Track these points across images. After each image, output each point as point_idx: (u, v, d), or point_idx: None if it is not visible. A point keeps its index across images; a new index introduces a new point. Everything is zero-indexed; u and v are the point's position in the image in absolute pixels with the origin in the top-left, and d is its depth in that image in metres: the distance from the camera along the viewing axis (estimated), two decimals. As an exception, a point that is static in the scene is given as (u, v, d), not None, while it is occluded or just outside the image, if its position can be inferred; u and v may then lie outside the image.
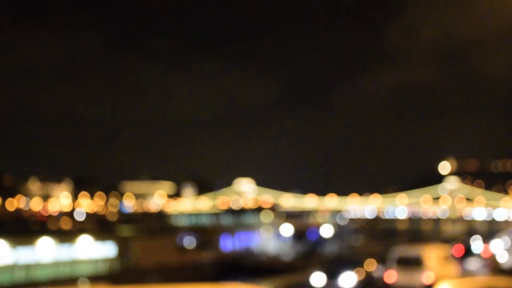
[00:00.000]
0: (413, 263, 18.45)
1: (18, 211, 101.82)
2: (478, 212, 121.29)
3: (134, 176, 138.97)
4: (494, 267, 25.10)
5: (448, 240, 38.26)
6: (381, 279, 19.80)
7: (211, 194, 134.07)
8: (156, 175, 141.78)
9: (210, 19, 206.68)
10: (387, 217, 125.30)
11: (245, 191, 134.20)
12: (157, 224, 66.80)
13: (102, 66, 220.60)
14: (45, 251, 32.32)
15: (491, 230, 75.05)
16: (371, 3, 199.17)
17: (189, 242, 42.68)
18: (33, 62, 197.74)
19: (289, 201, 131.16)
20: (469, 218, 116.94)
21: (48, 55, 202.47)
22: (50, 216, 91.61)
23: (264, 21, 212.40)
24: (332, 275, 21.59)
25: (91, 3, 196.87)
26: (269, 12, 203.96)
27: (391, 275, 18.82)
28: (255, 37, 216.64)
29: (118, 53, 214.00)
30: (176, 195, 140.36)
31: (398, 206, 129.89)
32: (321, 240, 49.46)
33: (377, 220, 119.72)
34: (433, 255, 19.03)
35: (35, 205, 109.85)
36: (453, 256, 23.42)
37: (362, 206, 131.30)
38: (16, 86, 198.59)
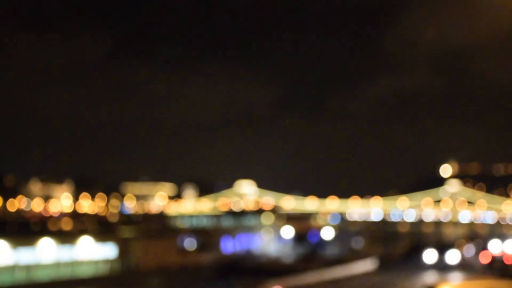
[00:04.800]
0: None
1: (19, 211, 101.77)
2: (483, 215, 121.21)
3: (135, 177, 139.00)
4: None
5: None
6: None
7: (212, 195, 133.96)
8: (157, 177, 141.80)
9: (213, 24, 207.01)
10: (393, 220, 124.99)
11: (246, 193, 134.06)
12: (158, 226, 66.69)
13: (104, 69, 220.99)
14: (45, 252, 32.29)
15: (492, 233, 74.96)
16: (370, 9, 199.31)
17: (189, 243, 42.64)
18: (36, 65, 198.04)
19: (290, 203, 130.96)
20: (477, 221, 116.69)
21: (51, 58, 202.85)
22: (51, 216, 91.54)
23: (266, 26, 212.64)
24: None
25: (96, 8, 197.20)
26: (272, 17, 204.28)
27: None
28: (257, 42, 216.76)
29: (121, 57, 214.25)
30: (177, 196, 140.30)
31: (405, 209, 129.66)
32: (322, 243, 49.34)
33: (382, 223, 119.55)
34: None
35: (36, 206, 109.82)
36: None
37: (368, 209, 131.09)
38: (18, 87, 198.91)
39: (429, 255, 23.49)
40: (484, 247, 34.33)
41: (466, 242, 29.41)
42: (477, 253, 31.51)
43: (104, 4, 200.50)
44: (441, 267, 22.94)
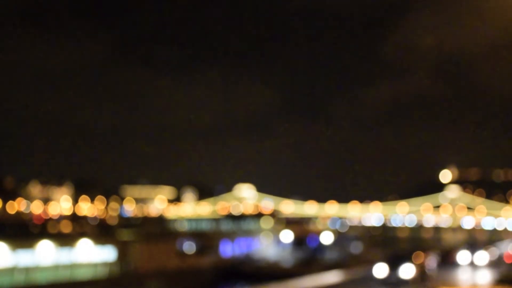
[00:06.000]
0: None
1: (18, 214, 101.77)
2: (484, 221, 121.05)
3: (135, 180, 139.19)
4: None
5: None
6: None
7: (211, 199, 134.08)
8: (157, 180, 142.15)
9: (213, 29, 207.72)
10: (394, 225, 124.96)
11: (246, 196, 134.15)
12: (157, 229, 66.68)
13: (105, 73, 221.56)
14: (45, 254, 32.34)
15: (491, 239, 74.94)
16: (370, 16, 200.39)
17: (189, 247, 42.66)
18: (37, 68, 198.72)
19: (289, 207, 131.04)
20: (477, 227, 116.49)
21: (51, 61, 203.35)
22: (50, 219, 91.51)
23: (266, 32, 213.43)
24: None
25: (97, 13, 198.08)
26: (273, 23, 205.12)
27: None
28: (257, 47, 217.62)
29: (121, 60, 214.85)
30: (177, 200, 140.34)
31: (405, 215, 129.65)
32: (321, 247, 49.32)
33: (382, 227, 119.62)
34: None
35: (36, 208, 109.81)
36: None
37: (367, 214, 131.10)
38: (19, 90, 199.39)
39: (379, 269, 22.08)
40: (451, 258, 32.62)
41: (426, 254, 27.65)
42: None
43: (104, 7, 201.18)
44: (393, 282, 21.61)
